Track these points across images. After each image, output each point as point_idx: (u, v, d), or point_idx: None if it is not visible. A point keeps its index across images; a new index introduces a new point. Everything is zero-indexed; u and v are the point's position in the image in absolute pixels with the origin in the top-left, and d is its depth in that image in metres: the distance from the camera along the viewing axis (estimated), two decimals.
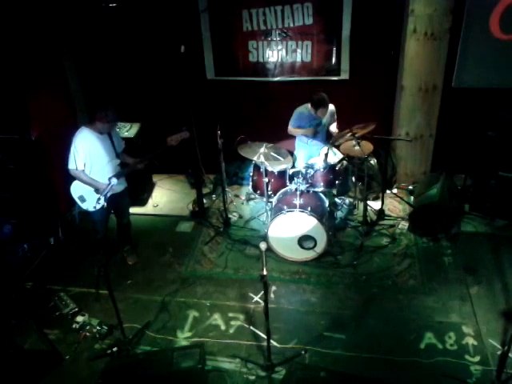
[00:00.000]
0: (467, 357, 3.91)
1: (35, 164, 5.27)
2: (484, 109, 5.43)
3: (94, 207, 4.56)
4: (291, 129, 5.40)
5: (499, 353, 3.87)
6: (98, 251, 4.81)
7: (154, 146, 4.74)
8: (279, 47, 5.87)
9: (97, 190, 4.52)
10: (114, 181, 4.35)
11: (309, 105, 5.18)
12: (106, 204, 4.33)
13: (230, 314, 4.47)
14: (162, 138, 4.69)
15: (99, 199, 4.42)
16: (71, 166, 4.41)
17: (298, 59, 5.92)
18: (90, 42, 6.03)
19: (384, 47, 5.67)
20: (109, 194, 4.36)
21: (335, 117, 5.45)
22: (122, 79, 6.22)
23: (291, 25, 5.71)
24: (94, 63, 6.20)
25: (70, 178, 4.54)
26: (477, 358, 3.89)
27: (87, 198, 4.58)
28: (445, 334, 4.13)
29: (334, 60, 5.85)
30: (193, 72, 5.76)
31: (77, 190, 4.57)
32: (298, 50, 5.86)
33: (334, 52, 5.80)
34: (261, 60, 5.99)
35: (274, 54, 5.92)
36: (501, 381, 3.58)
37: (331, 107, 5.37)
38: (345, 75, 5.91)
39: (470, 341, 4.05)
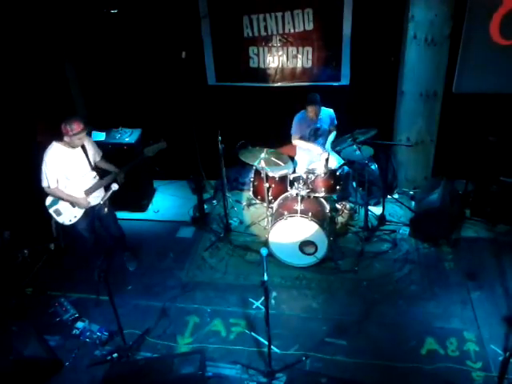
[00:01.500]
0: (469, 363, 3.90)
1: (35, 170, 5.27)
2: (485, 114, 5.43)
3: (70, 220, 4.51)
4: (295, 140, 5.44)
5: (501, 359, 3.85)
6: (95, 256, 4.82)
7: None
8: (280, 53, 5.89)
9: (72, 205, 4.46)
10: (115, 186, 4.33)
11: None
12: (106, 210, 4.30)
13: (231, 320, 4.46)
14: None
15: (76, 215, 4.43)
16: (44, 183, 4.30)
17: (299, 65, 5.94)
18: (92, 47, 6.05)
19: (384, 53, 5.69)
20: (83, 209, 4.39)
21: (335, 122, 5.46)
22: (123, 85, 6.23)
23: (292, 30, 5.73)
24: (95, 69, 6.21)
25: (44, 194, 4.44)
26: (478, 364, 3.88)
27: (63, 211, 4.49)
28: (446, 339, 4.11)
29: (334, 66, 5.86)
30: (194, 78, 5.80)
31: (52, 203, 4.46)
32: (299, 56, 5.88)
33: (335, 58, 5.81)
34: (261, 66, 6.00)
35: (275, 59, 5.93)
36: None
37: (330, 112, 5.38)
38: (345, 81, 5.92)
39: (472, 346, 4.04)
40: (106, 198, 4.19)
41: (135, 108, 6.24)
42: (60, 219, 4.53)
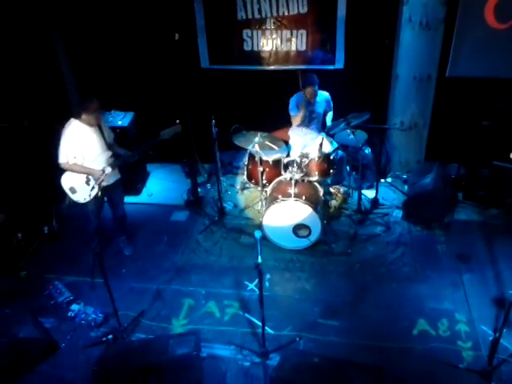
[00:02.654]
0: (459, 343, 3.97)
1: (28, 152, 5.24)
2: (478, 98, 5.44)
3: (85, 199, 4.53)
4: (295, 122, 5.40)
5: (491, 338, 3.92)
6: (93, 240, 4.83)
7: (148, 135, 4.72)
8: (274, 36, 5.85)
9: (88, 182, 4.48)
10: (108, 169, 4.36)
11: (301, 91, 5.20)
12: (100, 193, 4.34)
13: (225, 302, 4.49)
14: (155, 127, 4.67)
15: (92, 188, 4.41)
16: (62, 159, 4.36)
17: (293, 48, 5.91)
18: (83, 29, 5.97)
19: (379, 36, 5.67)
20: (103, 184, 4.34)
21: (331, 105, 5.45)
22: (115, 68, 6.17)
23: (286, 13, 5.69)
24: (86, 52, 6.14)
25: (61, 172, 4.48)
26: (469, 344, 3.95)
27: (78, 189, 4.53)
28: (437, 320, 4.18)
29: (328, 49, 5.84)
30: (187, 61, 5.74)
31: (67, 181, 4.51)
32: (293, 39, 5.84)
33: (329, 41, 5.78)
34: (255, 49, 5.96)
35: (269, 42, 5.90)
36: (492, 366, 3.63)
37: (326, 94, 5.37)
38: (340, 64, 5.90)
39: (463, 327, 4.11)
40: (99, 181, 4.24)
41: (128, 91, 6.18)
42: (75, 197, 4.57)
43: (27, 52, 5.42)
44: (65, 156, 4.35)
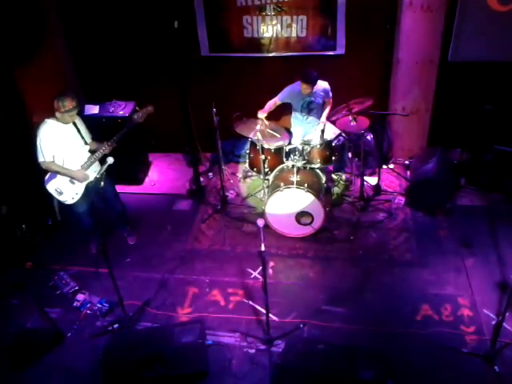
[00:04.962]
0: (462, 327, 3.99)
1: (30, 144, 5.23)
2: (480, 83, 5.40)
3: (73, 198, 4.51)
4: (271, 101, 5.28)
5: (493, 323, 3.95)
6: (96, 231, 4.84)
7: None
8: (274, 22, 5.78)
9: (72, 180, 4.46)
10: (111, 160, 4.32)
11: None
12: (103, 183, 4.31)
13: (229, 290, 4.53)
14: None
15: (77, 192, 4.41)
16: (40, 158, 4.31)
17: (294, 34, 5.83)
18: (82, 18, 5.92)
19: (380, 21, 5.60)
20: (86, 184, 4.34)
21: (330, 95, 5.38)
22: (115, 57, 6.12)
23: None
24: (86, 41, 6.09)
25: (43, 173, 4.45)
26: (472, 328, 3.98)
27: (64, 189, 4.49)
28: (441, 305, 4.20)
29: (329, 35, 5.77)
30: (187, 48, 5.69)
31: (52, 183, 4.46)
32: (293, 25, 5.77)
33: (330, 26, 5.72)
34: (255, 35, 5.89)
35: (269, 29, 5.83)
36: (495, 350, 3.66)
37: (324, 85, 5.30)
38: (341, 50, 5.83)
39: (466, 312, 4.13)
40: (101, 171, 4.20)
41: (128, 80, 6.14)
42: (62, 198, 4.53)
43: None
44: (42, 155, 4.28)
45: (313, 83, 5.05)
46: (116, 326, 4.12)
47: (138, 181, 6.16)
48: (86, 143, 4.49)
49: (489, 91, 5.40)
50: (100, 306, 4.36)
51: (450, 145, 5.86)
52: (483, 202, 5.44)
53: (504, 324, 3.69)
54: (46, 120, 4.30)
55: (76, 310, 4.38)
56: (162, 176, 6.37)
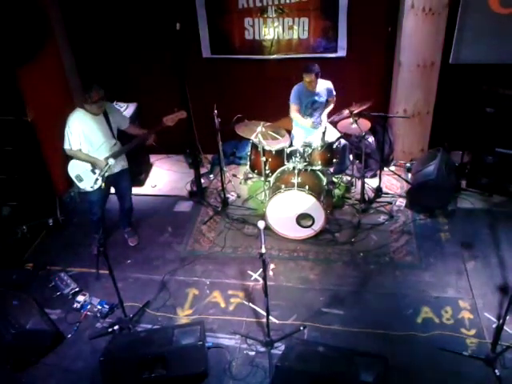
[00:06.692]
0: (463, 330, 3.98)
1: (32, 145, 5.24)
2: (482, 85, 5.40)
3: (92, 187, 4.56)
4: (293, 113, 5.38)
5: (494, 326, 3.94)
6: (97, 231, 4.84)
7: (151, 125, 4.71)
8: (275, 24, 5.79)
9: (93, 170, 4.51)
10: (112, 161, 4.36)
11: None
12: (103, 184, 4.35)
13: (230, 292, 4.52)
14: (158, 118, 4.67)
15: (97, 180, 4.42)
16: (66, 146, 4.44)
17: (295, 36, 5.85)
18: (84, 19, 5.94)
19: (382, 23, 5.61)
20: (106, 175, 4.35)
21: (333, 94, 5.41)
22: (117, 58, 6.14)
23: (287, 1, 5.62)
24: (88, 42, 6.11)
25: (67, 158, 4.55)
26: (472, 332, 3.96)
27: (84, 177, 4.57)
28: (441, 308, 4.19)
29: (331, 37, 5.78)
30: (188, 50, 5.71)
31: (74, 169, 4.56)
32: (295, 27, 5.79)
33: (331, 29, 5.73)
34: (257, 37, 5.91)
35: (271, 31, 5.84)
36: (495, 353, 3.65)
37: (327, 84, 5.32)
38: (342, 52, 5.85)
39: (466, 315, 4.12)
40: (102, 172, 4.26)
41: (130, 82, 6.16)
42: (82, 185, 4.61)
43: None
44: (68, 143, 4.41)
45: (314, 71, 5.07)
46: (116, 327, 4.11)
47: (140, 182, 6.16)
48: (113, 137, 4.56)
49: (490, 93, 5.39)
50: (100, 307, 4.36)
51: (452, 147, 5.86)
52: (484, 204, 5.43)
53: (505, 327, 3.67)
54: (77, 109, 4.41)
55: (76, 312, 4.38)
56: (164, 177, 6.37)
